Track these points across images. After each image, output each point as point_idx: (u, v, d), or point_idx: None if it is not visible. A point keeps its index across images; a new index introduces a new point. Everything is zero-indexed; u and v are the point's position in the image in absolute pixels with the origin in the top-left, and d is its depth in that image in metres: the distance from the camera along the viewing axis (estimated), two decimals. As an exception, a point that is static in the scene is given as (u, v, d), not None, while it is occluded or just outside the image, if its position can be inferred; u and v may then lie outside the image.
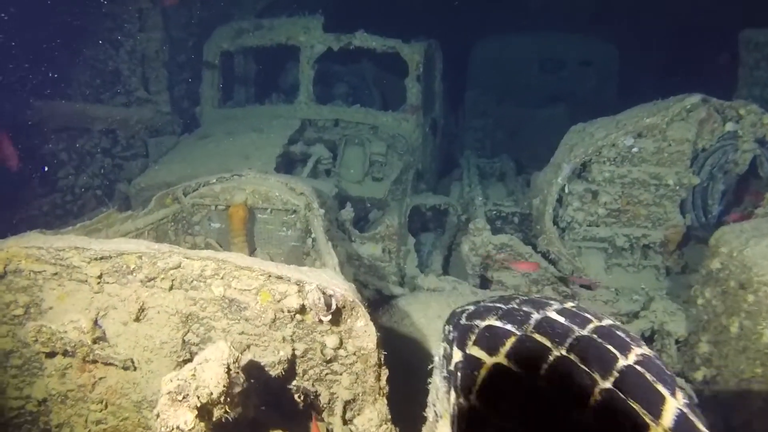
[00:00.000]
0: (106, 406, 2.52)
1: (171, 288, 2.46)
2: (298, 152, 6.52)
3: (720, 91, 5.57)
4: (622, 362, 1.47)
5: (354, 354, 2.56)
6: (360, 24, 7.58)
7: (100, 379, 2.39)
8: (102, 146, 6.73)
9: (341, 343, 2.55)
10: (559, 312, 1.65)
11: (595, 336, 1.55)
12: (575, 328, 1.58)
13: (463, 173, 7.94)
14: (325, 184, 5.63)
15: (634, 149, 5.20)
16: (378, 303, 5.13)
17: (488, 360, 1.55)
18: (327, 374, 2.65)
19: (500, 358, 1.54)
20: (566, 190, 5.34)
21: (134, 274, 2.42)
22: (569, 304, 1.70)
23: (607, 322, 1.63)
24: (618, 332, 1.58)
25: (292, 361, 2.60)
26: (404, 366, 3.45)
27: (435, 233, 7.31)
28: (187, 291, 2.48)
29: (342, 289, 2.59)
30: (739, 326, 3.64)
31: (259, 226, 4.52)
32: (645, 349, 1.54)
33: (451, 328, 1.76)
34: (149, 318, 2.47)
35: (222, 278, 2.54)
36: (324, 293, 2.53)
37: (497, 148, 11.07)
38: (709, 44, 10.47)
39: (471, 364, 1.59)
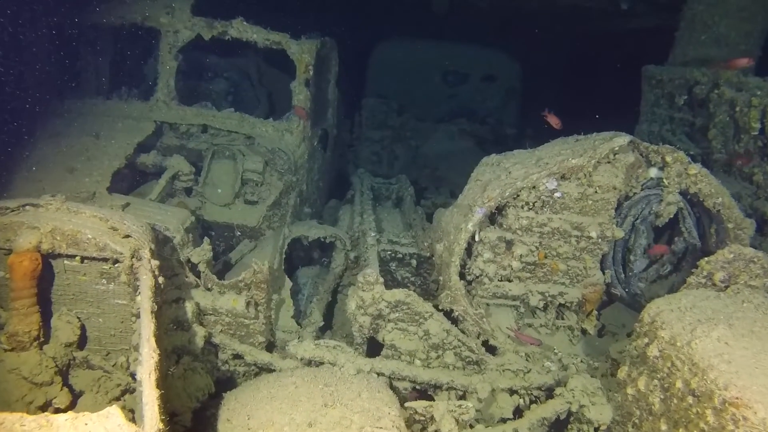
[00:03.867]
0: None
1: None
2: (149, 164, 5.14)
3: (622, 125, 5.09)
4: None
5: None
6: (244, 11, 6.31)
7: None
8: None
9: None
10: None
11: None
12: None
13: (355, 196, 6.89)
14: (176, 212, 4.34)
15: (557, 194, 4.41)
16: (233, 380, 3.99)
17: None
18: None
19: None
20: (477, 238, 4.44)
21: None
22: None
23: None
24: None
25: None
26: None
27: (320, 266, 6.19)
28: None
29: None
30: (692, 447, 2.86)
31: (66, 277, 3.18)
32: None
33: None
34: None
35: None
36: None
37: (395, 163, 10.19)
38: (614, 74, 10.22)
39: None
